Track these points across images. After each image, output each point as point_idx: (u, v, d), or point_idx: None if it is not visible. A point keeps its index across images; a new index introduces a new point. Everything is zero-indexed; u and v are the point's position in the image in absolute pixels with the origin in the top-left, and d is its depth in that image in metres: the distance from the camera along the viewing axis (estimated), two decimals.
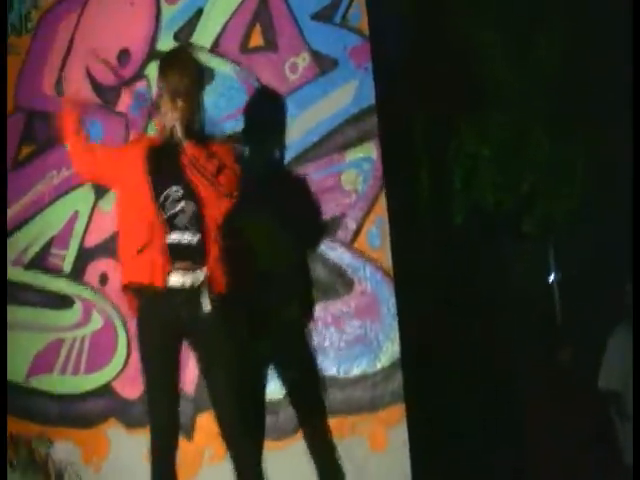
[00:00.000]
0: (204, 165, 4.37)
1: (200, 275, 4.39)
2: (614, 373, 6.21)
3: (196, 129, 4.54)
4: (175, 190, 4.45)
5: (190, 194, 4.41)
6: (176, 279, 4.38)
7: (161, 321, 4.42)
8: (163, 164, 4.48)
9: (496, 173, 6.20)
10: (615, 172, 6.16)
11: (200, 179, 4.39)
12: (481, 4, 6.14)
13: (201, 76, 4.73)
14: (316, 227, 5.51)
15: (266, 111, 5.74)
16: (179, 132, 4.41)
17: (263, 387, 5.38)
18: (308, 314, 5.43)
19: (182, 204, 4.44)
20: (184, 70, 4.55)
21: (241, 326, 4.81)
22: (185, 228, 4.42)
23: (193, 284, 4.37)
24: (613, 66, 6.15)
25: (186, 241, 4.41)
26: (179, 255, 4.40)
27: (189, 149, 4.39)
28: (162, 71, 4.60)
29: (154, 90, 5.16)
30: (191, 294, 4.37)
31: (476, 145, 6.20)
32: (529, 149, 6.21)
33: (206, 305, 4.41)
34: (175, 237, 4.40)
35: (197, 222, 4.41)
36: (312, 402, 5.39)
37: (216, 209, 4.44)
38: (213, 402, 4.46)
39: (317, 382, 5.36)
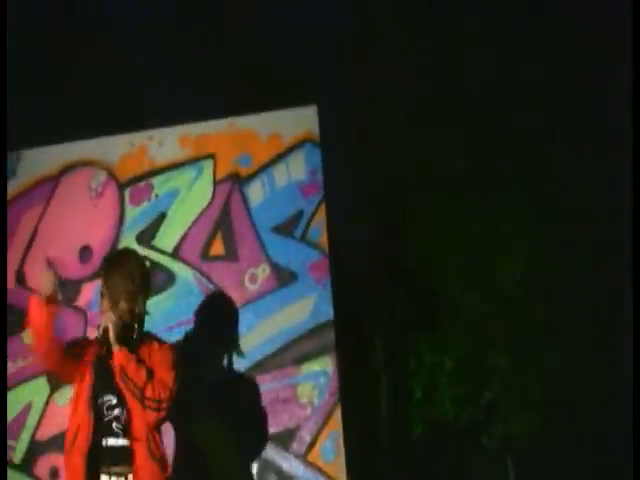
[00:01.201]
0: (132, 376, 4.38)
1: None
2: None
3: (132, 334, 4.56)
4: (108, 399, 4.50)
5: (121, 402, 4.44)
6: None
7: None
8: (101, 370, 4.52)
9: (455, 386, 6.29)
10: (577, 389, 6.28)
11: (126, 390, 4.40)
12: (438, 228, 6.31)
13: (145, 280, 4.75)
14: (263, 437, 5.54)
15: (219, 315, 5.81)
16: (111, 336, 4.45)
17: None
18: None
19: (116, 411, 4.48)
20: (126, 273, 4.61)
21: None
22: (119, 434, 4.44)
23: None
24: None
25: (119, 445, 4.43)
26: (114, 459, 4.41)
27: (119, 357, 4.42)
28: (105, 271, 4.65)
29: None
30: None
31: (435, 360, 6.31)
32: (487, 369, 6.33)
33: None
34: (111, 442, 4.42)
35: (128, 428, 4.43)
36: None
37: (144, 419, 4.43)
38: None
39: None
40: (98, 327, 4.61)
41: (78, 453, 4.49)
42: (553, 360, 6.33)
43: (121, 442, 4.44)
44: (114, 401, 4.49)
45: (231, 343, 5.68)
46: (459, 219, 6.46)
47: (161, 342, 4.73)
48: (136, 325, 4.65)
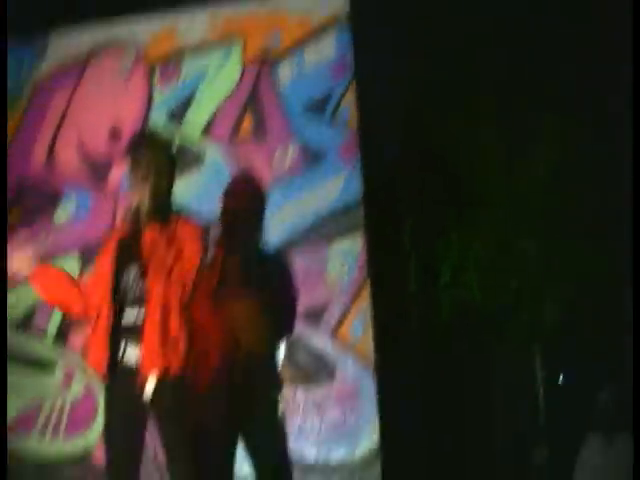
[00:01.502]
0: (161, 255, 4.29)
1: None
2: None
3: (161, 213, 4.39)
4: (133, 278, 4.49)
5: (144, 281, 4.43)
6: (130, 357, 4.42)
7: (125, 396, 4.46)
8: (128, 249, 4.49)
9: (483, 270, 6.29)
10: (606, 279, 6.28)
11: (153, 270, 4.30)
12: (469, 112, 6.25)
13: (172, 160, 4.73)
14: (293, 314, 5.62)
15: (247, 195, 5.85)
16: (142, 213, 4.32)
17: (230, 471, 5.42)
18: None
19: (139, 290, 4.47)
20: (154, 152, 4.58)
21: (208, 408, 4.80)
22: (140, 312, 4.46)
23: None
24: (604, 180, 6.29)
25: (139, 323, 4.45)
26: (134, 336, 4.43)
27: (150, 234, 4.32)
28: (133, 151, 4.62)
29: None
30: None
31: (465, 243, 6.29)
32: (517, 252, 6.31)
33: (148, 390, 4.41)
34: (130, 319, 4.44)
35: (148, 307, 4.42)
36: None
37: (166, 297, 4.31)
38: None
39: (288, 468, 5.44)
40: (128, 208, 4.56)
41: (101, 331, 4.52)
42: (584, 249, 6.31)
43: (141, 319, 4.42)
44: (138, 281, 4.46)
45: (259, 224, 5.71)
46: (493, 103, 6.39)
47: (191, 222, 4.70)
48: (165, 204, 4.61)
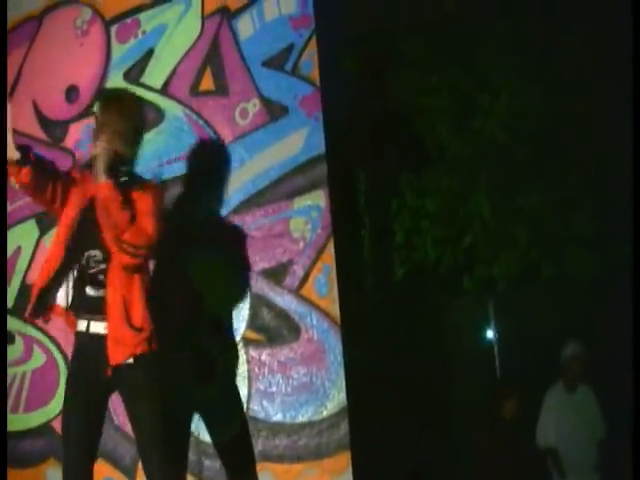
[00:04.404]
0: (114, 214, 4.18)
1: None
2: (550, 430, 6.38)
3: (121, 171, 4.34)
4: (94, 254, 4.38)
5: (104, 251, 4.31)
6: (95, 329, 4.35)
7: (88, 371, 4.38)
8: (86, 213, 4.38)
9: (437, 229, 6.30)
10: (561, 234, 6.30)
11: (106, 228, 4.21)
12: (427, 69, 6.23)
13: (140, 119, 4.60)
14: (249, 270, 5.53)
15: (209, 157, 5.74)
16: (99, 165, 4.21)
17: (188, 435, 5.33)
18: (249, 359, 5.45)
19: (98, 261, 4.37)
20: (123, 107, 4.46)
21: (174, 373, 4.71)
22: (100, 283, 4.37)
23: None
24: (556, 135, 6.29)
25: (99, 295, 4.36)
26: (94, 308, 4.33)
27: (104, 189, 4.19)
28: (101, 104, 4.49)
29: None
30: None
31: (418, 202, 6.29)
32: (470, 211, 6.32)
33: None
34: (91, 292, 4.35)
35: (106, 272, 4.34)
36: (244, 451, 5.38)
37: (117, 261, 4.27)
38: (138, 451, 4.44)
39: (248, 433, 5.36)
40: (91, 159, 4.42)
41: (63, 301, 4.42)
42: (535, 203, 6.31)
43: (101, 292, 4.32)
44: (99, 256, 4.35)
45: (220, 182, 5.61)
46: (445, 63, 6.38)
47: (150, 185, 4.57)
48: (126, 165, 4.48)
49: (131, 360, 4.27)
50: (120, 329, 4.23)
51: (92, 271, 4.32)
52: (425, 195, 6.33)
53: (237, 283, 5.54)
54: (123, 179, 4.35)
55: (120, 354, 4.23)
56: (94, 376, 4.32)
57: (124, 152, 4.39)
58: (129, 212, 4.20)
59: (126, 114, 4.44)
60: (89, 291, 4.33)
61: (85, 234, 4.36)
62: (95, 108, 4.61)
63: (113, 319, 4.25)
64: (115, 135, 4.33)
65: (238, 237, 5.59)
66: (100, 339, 4.29)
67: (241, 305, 5.57)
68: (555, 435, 6.33)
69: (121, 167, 4.38)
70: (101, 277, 4.33)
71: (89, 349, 4.35)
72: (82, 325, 4.35)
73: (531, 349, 6.54)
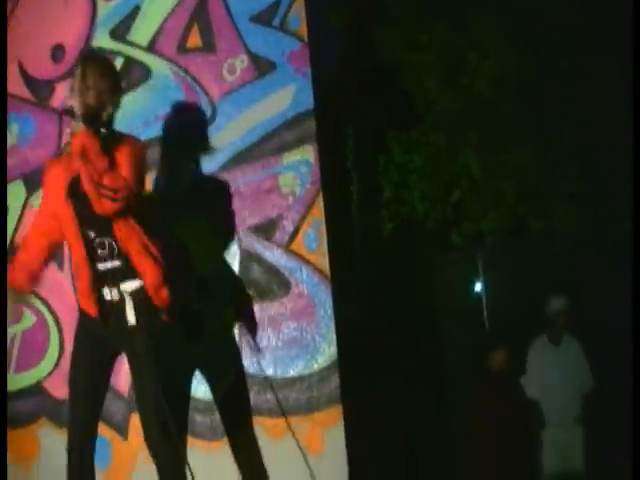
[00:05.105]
0: (92, 159, 4.13)
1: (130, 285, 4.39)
2: (533, 382, 6.43)
3: (99, 125, 4.24)
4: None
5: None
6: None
7: (94, 337, 4.42)
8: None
9: (425, 183, 6.30)
10: (546, 193, 6.32)
11: (84, 176, 4.15)
12: (412, 25, 6.22)
13: (116, 79, 4.60)
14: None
15: (195, 114, 5.71)
16: (77, 115, 4.17)
17: (189, 391, 5.35)
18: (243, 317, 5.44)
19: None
20: (99, 66, 4.43)
21: (173, 332, 4.74)
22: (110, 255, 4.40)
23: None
24: (546, 82, 6.29)
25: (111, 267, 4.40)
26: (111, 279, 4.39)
27: (82, 135, 4.15)
28: (80, 63, 4.48)
29: None
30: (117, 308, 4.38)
31: (405, 157, 6.29)
32: (458, 167, 6.33)
33: (130, 317, 4.39)
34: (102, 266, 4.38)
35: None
36: (241, 407, 5.39)
37: (98, 209, 4.19)
38: (138, 406, 4.47)
39: (246, 387, 5.37)
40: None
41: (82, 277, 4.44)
42: (523, 158, 6.32)
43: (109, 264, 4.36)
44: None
45: (203, 141, 5.58)
46: (433, 20, 6.36)
47: (130, 139, 4.54)
48: (104, 120, 4.44)
49: (134, 322, 4.29)
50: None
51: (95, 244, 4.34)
52: (412, 150, 6.31)
53: (225, 241, 5.51)
54: (102, 131, 4.31)
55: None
56: (101, 338, 4.35)
57: (101, 108, 4.36)
58: (107, 158, 4.15)
59: (102, 72, 4.44)
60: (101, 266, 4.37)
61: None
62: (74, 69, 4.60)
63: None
64: (91, 91, 4.31)
65: (225, 194, 5.56)
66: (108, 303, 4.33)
67: (230, 262, 5.55)
68: (538, 387, 6.38)
69: (99, 120, 4.34)
70: (101, 251, 4.34)
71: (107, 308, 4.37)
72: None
73: (519, 302, 6.56)
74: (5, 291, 5.51)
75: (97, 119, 4.28)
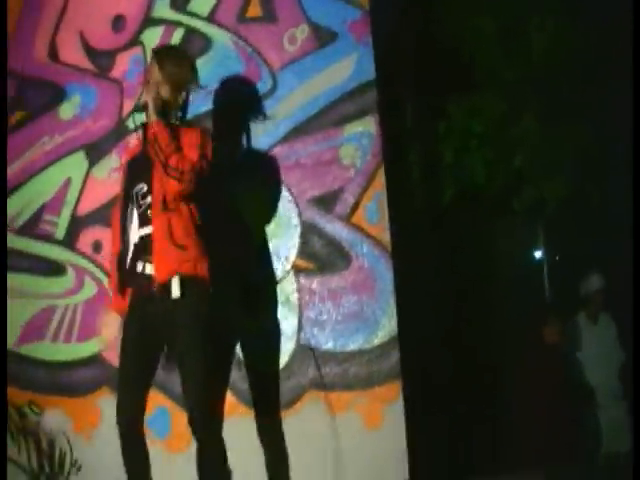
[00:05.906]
0: (162, 145, 4.42)
1: None
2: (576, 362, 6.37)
3: (171, 115, 4.63)
4: (141, 186, 4.58)
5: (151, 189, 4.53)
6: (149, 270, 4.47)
7: (143, 313, 4.46)
8: (137, 158, 4.65)
9: (486, 149, 6.21)
10: (606, 162, 6.19)
11: (155, 159, 4.45)
12: None
13: (190, 72, 4.73)
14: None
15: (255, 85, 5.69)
16: (150, 109, 4.51)
17: (230, 366, 5.36)
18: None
19: (148, 199, 4.51)
20: (180, 61, 4.67)
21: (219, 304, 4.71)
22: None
23: None
24: (608, 54, 6.15)
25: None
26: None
27: (154, 126, 4.47)
28: (158, 58, 4.61)
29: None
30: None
31: (466, 123, 6.20)
32: (519, 131, 6.22)
33: (175, 291, 4.42)
34: (143, 231, 4.51)
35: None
36: (274, 390, 5.40)
37: (162, 189, 4.46)
38: (182, 382, 4.49)
39: (278, 368, 5.38)
40: (138, 100, 4.59)
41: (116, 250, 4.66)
42: (584, 127, 6.21)
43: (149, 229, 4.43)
44: (145, 188, 4.47)
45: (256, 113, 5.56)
46: None
47: (197, 127, 4.75)
48: (175, 111, 4.66)
49: (178, 293, 4.30)
50: (164, 247, 4.41)
51: (140, 210, 4.39)
52: (473, 116, 6.22)
53: (283, 213, 5.50)
54: (173, 121, 4.61)
55: (164, 271, 4.32)
56: (150, 312, 4.47)
57: (172, 100, 4.61)
58: (175, 143, 4.46)
59: (178, 63, 4.59)
60: (140, 231, 4.45)
61: (135, 173, 4.62)
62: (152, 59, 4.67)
63: (158, 239, 4.42)
64: (163, 85, 4.47)
65: (285, 166, 5.54)
66: (152, 279, 4.46)
67: (290, 233, 5.53)
68: (581, 365, 6.32)
69: (170, 111, 4.62)
70: (149, 212, 4.43)
71: (144, 289, 4.47)
72: (139, 267, 4.48)
73: (579, 272, 6.46)
74: (5, 291, 5.66)
75: (170, 112, 4.60)
